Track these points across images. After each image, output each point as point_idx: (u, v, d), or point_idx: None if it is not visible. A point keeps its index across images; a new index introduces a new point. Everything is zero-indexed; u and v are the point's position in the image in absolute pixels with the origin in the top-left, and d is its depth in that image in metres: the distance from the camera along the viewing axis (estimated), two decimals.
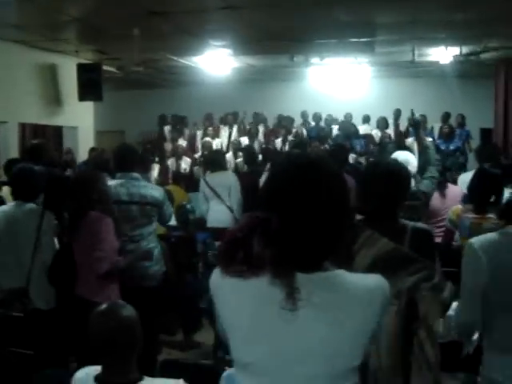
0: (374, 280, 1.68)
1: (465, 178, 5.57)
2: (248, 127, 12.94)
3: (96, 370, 2.39)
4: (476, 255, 2.58)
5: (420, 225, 2.90)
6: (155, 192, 4.89)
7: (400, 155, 4.92)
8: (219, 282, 1.67)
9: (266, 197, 1.67)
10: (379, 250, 2.64)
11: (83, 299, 3.89)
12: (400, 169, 2.90)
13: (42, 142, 6.72)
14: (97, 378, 2.36)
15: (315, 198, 1.60)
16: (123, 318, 2.37)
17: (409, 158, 4.94)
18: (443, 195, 5.80)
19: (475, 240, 2.65)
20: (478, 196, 4.54)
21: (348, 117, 12.99)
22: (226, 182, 7.18)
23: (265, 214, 1.60)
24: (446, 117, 12.43)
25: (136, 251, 4.60)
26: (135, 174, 4.86)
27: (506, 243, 2.61)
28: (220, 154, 8.28)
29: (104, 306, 2.42)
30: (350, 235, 2.80)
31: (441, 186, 5.77)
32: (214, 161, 7.55)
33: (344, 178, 1.72)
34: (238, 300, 1.64)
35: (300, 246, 1.59)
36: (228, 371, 2.15)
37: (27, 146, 6.31)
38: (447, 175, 6.25)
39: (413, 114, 6.12)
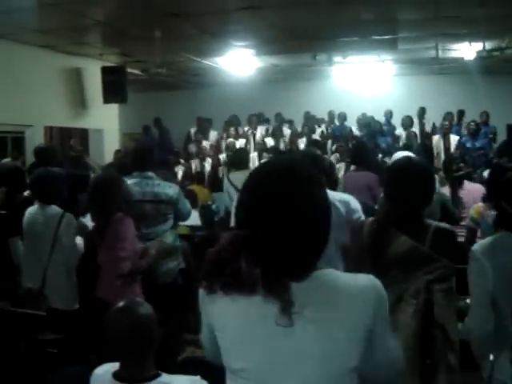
0: (365, 280, 1.65)
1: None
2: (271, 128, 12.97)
3: (114, 366, 2.42)
4: (479, 262, 2.57)
5: (443, 225, 2.87)
6: (169, 190, 4.94)
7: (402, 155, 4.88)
8: (204, 299, 1.67)
9: (245, 212, 1.64)
10: (397, 248, 2.64)
11: (104, 301, 3.92)
12: (425, 168, 2.89)
13: (49, 146, 6.84)
14: (115, 374, 2.39)
15: (295, 208, 1.57)
16: (140, 315, 2.40)
17: None
18: (456, 195, 5.73)
19: (477, 246, 2.64)
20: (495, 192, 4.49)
21: (364, 116, 12.95)
22: None
23: (246, 232, 1.58)
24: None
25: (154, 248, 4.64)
26: (150, 173, 4.93)
27: (507, 245, 2.60)
28: (244, 152, 8.27)
29: (121, 303, 2.45)
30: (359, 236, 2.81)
31: (454, 187, 5.72)
32: (237, 159, 7.57)
33: (318, 178, 1.68)
34: (228, 316, 1.63)
35: (288, 258, 1.56)
36: None
37: (34, 150, 6.38)
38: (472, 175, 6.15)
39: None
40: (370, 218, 2.96)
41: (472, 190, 5.77)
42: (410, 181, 2.76)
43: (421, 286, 2.56)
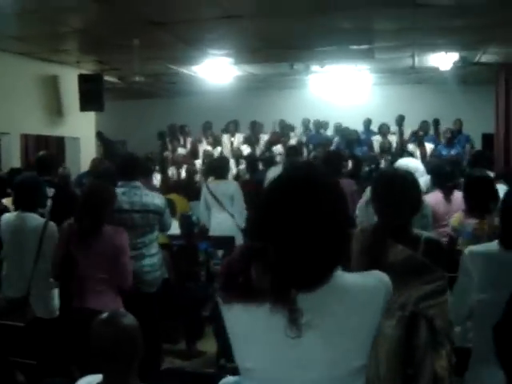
0: (374, 277, 1.69)
1: None
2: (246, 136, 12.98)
3: (98, 378, 2.40)
4: (467, 268, 2.63)
5: (432, 235, 2.90)
6: (157, 200, 4.96)
7: (410, 163, 4.91)
8: (221, 306, 1.69)
9: (258, 224, 1.65)
10: (395, 257, 2.64)
11: (87, 309, 3.87)
12: (408, 177, 2.89)
13: (51, 154, 6.75)
14: None
15: (310, 221, 1.57)
16: (124, 326, 2.38)
17: (418, 166, 4.93)
18: (449, 200, 5.81)
19: (468, 252, 2.70)
20: (471, 202, 4.56)
21: (338, 126, 13.02)
22: (229, 190, 7.19)
23: (257, 244, 1.59)
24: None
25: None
26: (137, 183, 4.93)
27: (498, 255, 2.65)
28: (224, 161, 8.27)
29: (105, 315, 2.43)
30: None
31: (447, 192, 5.80)
32: (217, 168, 7.56)
33: (339, 188, 1.70)
34: (240, 323, 1.66)
35: (299, 269, 1.57)
36: (224, 380, 2.15)
37: (38, 157, 6.28)
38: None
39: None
40: (359, 228, 2.98)
41: (456, 198, 5.82)
42: (397, 192, 2.76)
43: (409, 301, 2.57)
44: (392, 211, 2.75)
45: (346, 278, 1.64)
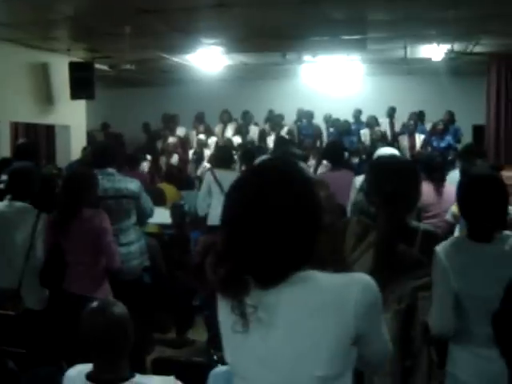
0: (351, 278, 1.59)
1: (454, 176, 5.58)
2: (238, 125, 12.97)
3: (88, 367, 2.39)
4: (442, 263, 2.60)
5: (429, 227, 2.89)
6: (130, 185, 5.01)
7: (387, 151, 4.90)
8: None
9: (225, 213, 1.62)
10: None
11: (77, 295, 3.88)
12: (409, 166, 2.87)
13: (32, 142, 6.74)
14: (88, 375, 2.36)
15: (266, 213, 1.52)
16: (114, 315, 2.38)
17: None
18: (439, 192, 5.81)
19: (439, 248, 2.66)
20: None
21: (327, 118, 13.07)
22: None
23: (215, 236, 1.62)
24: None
25: None
26: (110, 170, 5.04)
27: (467, 248, 2.65)
28: (227, 150, 8.23)
29: (95, 303, 2.43)
30: (340, 237, 2.80)
31: (438, 183, 5.79)
32: (221, 158, 7.50)
33: (312, 186, 1.63)
34: (220, 315, 1.68)
35: (255, 261, 1.54)
36: (216, 369, 2.16)
37: (17, 145, 6.30)
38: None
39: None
40: (354, 218, 2.96)
41: (446, 189, 5.80)
42: (400, 183, 2.73)
43: (405, 293, 2.57)
44: (393, 200, 2.72)
45: (318, 276, 1.57)
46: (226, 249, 1.55)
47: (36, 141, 9.53)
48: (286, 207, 1.52)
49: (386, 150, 5.09)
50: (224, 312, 1.63)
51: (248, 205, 1.53)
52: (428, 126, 12.50)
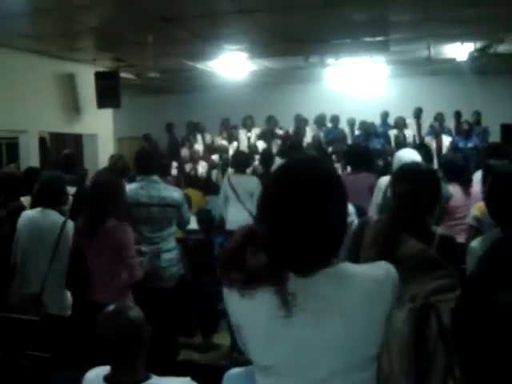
0: (381, 267, 1.71)
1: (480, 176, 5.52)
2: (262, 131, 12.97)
3: (105, 370, 2.44)
4: (478, 254, 2.59)
5: (446, 232, 2.88)
6: (175, 194, 4.99)
7: (405, 154, 4.86)
8: (227, 293, 1.70)
9: (263, 208, 1.68)
10: (407, 250, 2.63)
11: (100, 304, 3.90)
12: (432, 172, 2.87)
13: (75, 153, 6.80)
14: (106, 378, 2.41)
15: (308, 207, 1.59)
16: (129, 319, 2.41)
17: (414, 158, 4.83)
18: (467, 193, 5.73)
19: (475, 243, 2.66)
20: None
21: (351, 121, 12.97)
22: (250, 186, 7.05)
23: (253, 227, 1.65)
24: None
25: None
26: (155, 177, 4.98)
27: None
28: (246, 155, 8.27)
29: (110, 308, 2.47)
30: (359, 236, 2.82)
31: (466, 184, 5.74)
32: (237, 162, 7.52)
33: (341, 181, 1.71)
34: (248, 309, 1.66)
35: (292, 251, 1.60)
36: (230, 371, 2.17)
37: (62, 155, 6.35)
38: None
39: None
40: (373, 218, 2.97)
41: (474, 190, 5.73)
42: (417, 185, 2.75)
43: (421, 293, 2.57)
44: (408, 201, 2.73)
45: (349, 267, 1.66)
46: (268, 238, 1.60)
47: (78, 151, 9.66)
48: (322, 194, 1.61)
49: (404, 153, 5.06)
50: (254, 307, 1.64)
51: (286, 194, 1.60)
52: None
